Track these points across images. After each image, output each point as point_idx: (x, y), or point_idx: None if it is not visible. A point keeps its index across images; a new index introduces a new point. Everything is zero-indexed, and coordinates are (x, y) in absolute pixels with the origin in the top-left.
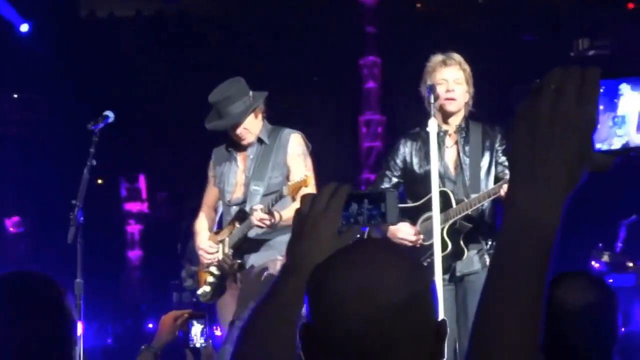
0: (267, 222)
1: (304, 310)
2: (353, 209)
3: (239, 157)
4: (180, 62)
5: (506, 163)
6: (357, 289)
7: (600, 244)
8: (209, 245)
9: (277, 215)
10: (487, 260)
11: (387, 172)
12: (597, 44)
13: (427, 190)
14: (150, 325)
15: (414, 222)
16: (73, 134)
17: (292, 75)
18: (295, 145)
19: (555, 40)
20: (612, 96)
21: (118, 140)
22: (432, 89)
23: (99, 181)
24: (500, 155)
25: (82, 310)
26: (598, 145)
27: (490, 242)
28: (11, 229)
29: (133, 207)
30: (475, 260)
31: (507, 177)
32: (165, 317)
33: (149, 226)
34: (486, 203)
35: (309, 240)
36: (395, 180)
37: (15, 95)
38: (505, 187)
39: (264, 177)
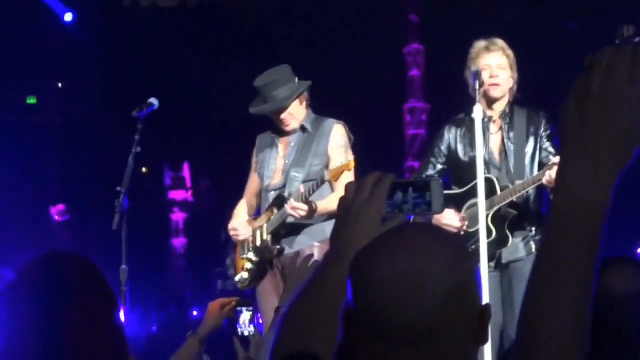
0: (302, 212)
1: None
2: (398, 197)
3: (281, 144)
4: (224, 52)
5: (551, 149)
6: (401, 273)
7: None
8: (239, 223)
9: (313, 205)
10: (533, 247)
11: (432, 159)
12: None
13: (472, 177)
14: (195, 313)
15: (458, 209)
16: (117, 122)
17: (335, 64)
18: (337, 135)
19: (600, 28)
20: None
21: (162, 129)
22: (477, 75)
23: (144, 170)
24: (545, 141)
25: (127, 297)
26: None
27: (535, 229)
28: (56, 217)
29: (177, 195)
30: (520, 248)
31: (552, 163)
32: (213, 304)
33: (193, 214)
34: (531, 190)
35: (353, 228)
36: (440, 167)
37: (60, 85)
38: (549, 173)
39: (304, 164)
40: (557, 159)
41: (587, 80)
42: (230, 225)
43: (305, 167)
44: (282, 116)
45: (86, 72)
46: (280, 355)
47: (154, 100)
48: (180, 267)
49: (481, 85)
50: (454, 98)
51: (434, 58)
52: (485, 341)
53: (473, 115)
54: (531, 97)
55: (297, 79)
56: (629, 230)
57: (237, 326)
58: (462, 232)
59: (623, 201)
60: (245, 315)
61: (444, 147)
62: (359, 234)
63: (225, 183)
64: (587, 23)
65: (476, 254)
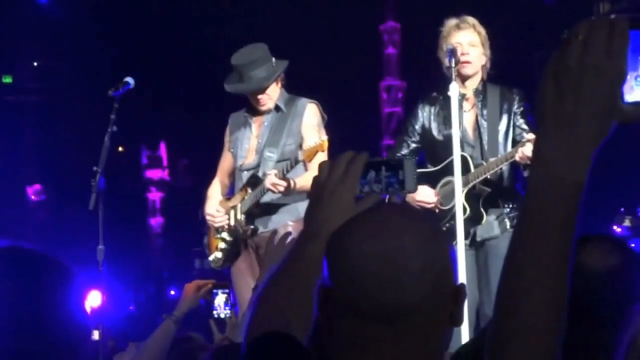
0: (281, 188)
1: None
2: (371, 176)
3: (254, 123)
4: (200, 30)
5: (524, 126)
6: (377, 251)
7: (622, 209)
8: (216, 209)
9: (291, 182)
10: (508, 224)
11: (406, 138)
12: (617, 7)
13: (447, 154)
14: (173, 292)
15: (433, 187)
16: (93, 101)
17: (311, 41)
18: (311, 114)
19: (576, 4)
20: (636, 53)
21: (139, 108)
22: (452, 52)
23: (120, 149)
24: (519, 118)
25: (104, 277)
26: (627, 98)
27: (510, 206)
28: (33, 197)
29: (154, 174)
30: (495, 225)
31: (525, 139)
32: (188, 285)
33: (170, 193)
34: (505, 167)
35: (327, 207)
36: (414, 145)
37: (35, 64)
38: (522, 150)
39: (278, 143)
40: (530, 136)
41: (563, 54)
42: (207, 210)
43: (279, 147)
44: (259, 96)
45: (61, 50)
46: (255, 334)
47: (129, 79)
48: (157, 246)
49: (457, 62)
50: (431, 76)
51: (410, 36)
52: (460, 322)
53: (449, 93)
54: (507, 74)
55: (274, 59)
56: (605, 208)
57: (213, 308)
58: (437, 210)
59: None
60: (221, 298)
61: (417, 126)
62: (332, 213)
63: (202, 162)
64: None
65: (451, 231)
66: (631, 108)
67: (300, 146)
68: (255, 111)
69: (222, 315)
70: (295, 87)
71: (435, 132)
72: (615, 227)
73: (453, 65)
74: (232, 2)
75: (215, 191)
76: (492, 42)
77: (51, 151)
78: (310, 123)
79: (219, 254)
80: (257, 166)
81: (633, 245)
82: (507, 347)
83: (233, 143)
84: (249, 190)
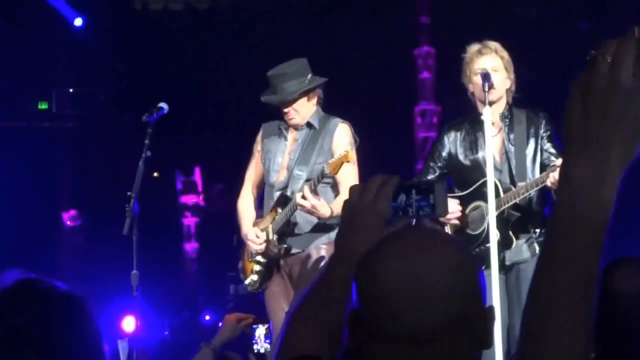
0: (310, 203)
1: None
2: (402, 199)
3: (290, 137)
4: (234, 54)
5: (552, 150)
6: (406, 273)
7: None
8: (256, 234)
9: (322, 201)
10: (537, 248)
11: (432, 164)
12: None
13: (474, 179)
14: (208, 318)
15: (461, 212)
16: (128, 126)
17: (346, 66)
18: (342, 134)
19: (610, 27)
20: None
21: (174, 134)
22: (486, 77)
23: (155, 174)
24: (546, 141)
25: (138, 302)
26: None
27: (538, 231)
28: (68, 222)
29: (189, 199)
30: (524, 249)
31: (554, 164)
32: (229, 316)
33: (205, 218)
34: (533, 191)
35: (358, 230)
36: (439, 171)
37: (71, 90)
38: (552, 175)
39: (308, 162)
40: (559, 161)
41: (590, 74)
42: (247, 234)
43: (309, 165)
44: (286, 109)
45: (97, 77)
46: (285, 357)
47: (163, 105)
48: (192, 271)
49: (490, 87)
50: (465, 100)
51: (445, 60)
52: (489, 344)
53: (482, 117)
54: (541, 97)
55: (310, 75)
56: (638, 232)
57: (253, 342)
58: (466, 234)
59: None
60: (261, 330)
61: (444, 152)
62: (363, 236)
63: (237, 187)
64: (598, 24)
65: (480, 256)
66: None
67: None
68: (289, 126)
69: (262, 350)
70: (330, 111)
71: (462, 157)
72: None
73: (486, 89)
74: (267, 28)
75: (247, 207)
76: (524, 67)
77: (86, 177)
78: (342, 142)
79: (254, 277)
80: (287, 185)
81: None
82: None
83: (266, 154)
84: (279, 210)
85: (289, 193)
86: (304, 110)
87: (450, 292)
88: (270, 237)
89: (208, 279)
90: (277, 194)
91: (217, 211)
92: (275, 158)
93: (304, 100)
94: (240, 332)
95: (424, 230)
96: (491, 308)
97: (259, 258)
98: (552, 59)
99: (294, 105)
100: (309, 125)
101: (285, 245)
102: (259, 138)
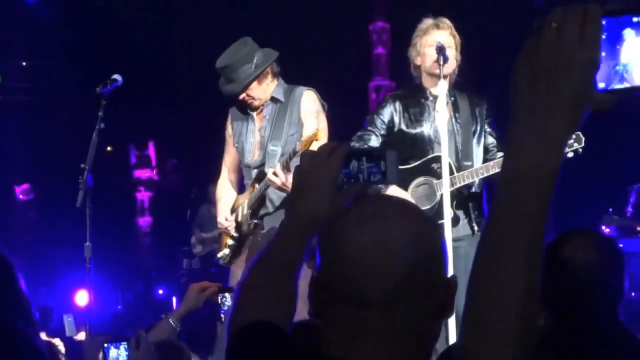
0: (281, 179)
1: (305, 265)
2: (353, 166)
3: (256, 117)
4: (189, 27)
5: (494, 134)
6: (370, 239)
7: (611, 209)
8: (225, 217)
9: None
10: (476, 228)
11: (374, 129)
12: (607, 8)
13: (416, 152)
14: (161, 292)
15: (405, 186)
16: (81, 100)
17: (300, 41)
18: (309, 101)
19: (566, 5)
20: (615, 42)
21: (128, 108)
22: (441, 49)
23: (109, 149)
24: (487, 127)
25: (91, 274)
26: (600, 85)
27: (477, 212)
28: (21, 197)
29: (142, 174)
30: (462, 226)
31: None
32: (193, 285)
33: (159, 193)
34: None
35: (308, 196)
36: (382, 139)
37: (24, 64)
38: None
39: (280, 135)
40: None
41: (537, 42)
42: (217, 217)
43: (282, 139)
44: (241, 97)
45: (50, 50)
46: (239, 324)
47: (117, 77)
48: (145, 245)
49: (445, 60)
50: (410, 80)
51: (400, 36)
52: (450, 313)
53: (435, 92)
54: (496, 75)
55: (257, 55)
56: (594, 208)
57: (221, 312)
58: None
59: (588, 179)
60: (229, 300)
61: (386, 119)
62: (313, 203)
63: (191, 162)
64: (550, 1)
65: None
66: (605, 96)
67: (301, 135)
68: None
69: None
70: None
71: (404, 128)
72: (604, 227)
73: (441, 62)
74: (221, 1)
75: (223, 192)
76: (477, 44)
77: (39, 151)
78: (309, 110)
79: (226, 251)
80: (264, 162)
81: (622, 245)
82: (478, 338)
83: (237, 138)
84: (256, 186)
85: (266, 170)
86: (259, 93)
87: (413, 258)
88: (245, 212)
89: (161, 253)
90: (255, 172)
91: (171, 186)
92: (247, 138)
93: (255, 84)
94: (205, 302)
95: (388, 197)
96: (454, 278)
97: (233, 232)
98: (505, 37)
99: (248, 92)
100: (273, 100)
101: (256, 221)
102: (227, 123)
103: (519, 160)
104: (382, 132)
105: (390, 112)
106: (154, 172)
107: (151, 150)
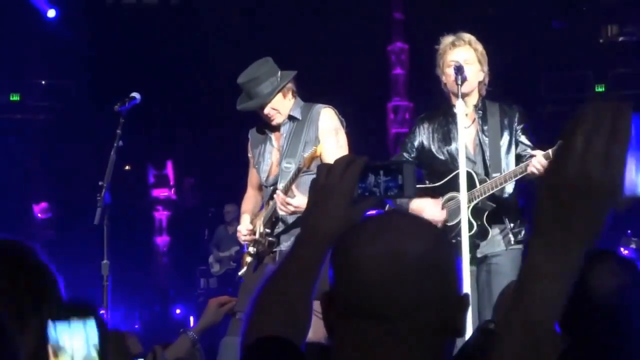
0: (290, 208)
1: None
2: (370, 180)
3: (274, 136)
4: (207, 49)
5: (527, 142)
6: (383, 251)
7: (629, 231)
8: (245, 227)
9: (299, 197)
10: (512, 239)
11: (405, 154)
12: (626, 30)
13: (447, 170)
14: (178, 311)
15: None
16: (100, 118)
17: (319, 60)
18: (326, 119)
19: (584, 27)
20: None
21: (146, 127)
22: (459, 70)
23: (127, 168)
24: (520, 134)
25: (108, 292)
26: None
27: (512, 223)
28: (39, 215)
29: (160, 193)
30: (498, 241)
31: (532, 154)
32: (212, 300)
33: (177, 212)
34: (510, 182)
35: (324, 209)
36: None
37: (43, 82)
38: (532, 164)
39: (295, 153)
40: (537, 151)
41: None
42: (238, 228)
43: (297, 156)
44: (266, 111)
45: (69, 69)
46: (252, 338)
47: (136, 94)
48: (163, 265)
49: (463, 80)
50: (437, 97)
51: (418, 57)
52: (463, 332)
53: (455, 110)
54: (513, 93)
55: (279, 72)
56: (612, 230)
57: None
58: (442, 226)
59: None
60: None
61: (416, 142)
62: (329, 216)
63: (208, 181)
64: (571, 22)
65: (457, 247)
66: (628, 200)
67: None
68: (271, 125)
69: None
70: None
71: (434, 149)
72: (622, 249)
73: (459, 82)
74: (241, 22)
75: (247, 207)
76: (499, 62)
77: (58, 169)
78: (327, 127)
79: (245, 269)
80: (278, 180)
81: None
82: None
83: (256, 158)
84: (270, 204)
85: (279, 186)
86: (282, 107)
87: (426, 273)
88: (261, 229)
89: (179, 273)
90: (271, 189)
91: (189, 205)
92: (265, 159)
93: (279, 97)
94: (225, 317)
95: (403, 213)
96: (466, 296)
97: (251, 249)
98: (526, 56)
99: (272, 105)
100: (291, 118)
101: (270, 239)
102: (249, 145)
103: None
104: (413, 154)
105: (420, 135)
106: (172, 191)
107: (169, 170)
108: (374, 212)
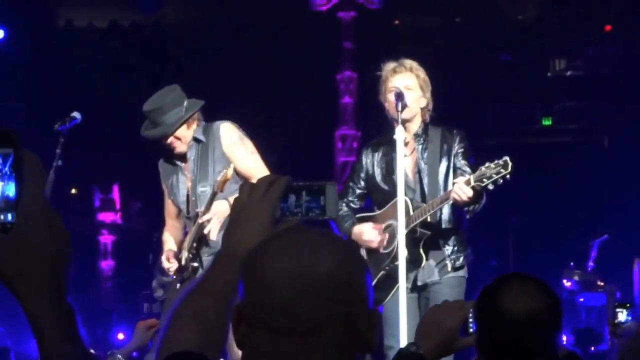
0: (206, 222)
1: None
2: (291, 201)
3: (184, 166)
4: (155, 73)
5: (465, 168)
6: (291, 266)
7: (572, 263)
8: (166, 257)
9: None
10: (449, 267)
11: (352, 184)
12: (573, 64)
13: (390, 198)
14: (121, 336)
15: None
16: (46, 141)
17: (268, 89)
18: (227, 133)
19: (531, 60)
20: None
21: (92, 150)
22: (399, 96)
23: (73, 191)
24: (461, 158)
25: None
26: None
27: (450, 249)
28: None
29: (106, 217)
30: (435, 270)
31: (458, 181)
32: (140, 323)
33: (122, 236)
34: (445, 209)
35: (244, 228)
36: (359, 191)
37: None
38: (455, 189)
39: (207, 175)
40: (462, 178)
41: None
42: (163, 263)
43: (209, 178)
44: (168, 140)
45: (18, 90)
46: (167, 353)
47: (76, 114)
48: (107, 289)
49: (403, 106)
50: (386, 126)
51: (367, 86)
52: (372, 348)
53: (394, 137)
54: (461, 125)
55: (186, 101)
56: (555, 262)
57: None
58: (382, 250)
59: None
60: None
61: (362, 173)
62: (249, 235)
63: (155, 205)
64: (519, 55)
65: (391, 275)
66: None
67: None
68: (177, 154)
69: None
70: (252, 131)
71: (379, 179)
72: (565, 281)
73: (399, 108)
74: (189, 46)
75: (167, 236)
76: (446, 93)
77: None
78: (231, 141)
79: (168, 291)
80: (197, 206)
81: (582, 299)
82: None
83: (170, 190)
84: (192, 229)
85: (200, 211)
86: (185, 136)
87: (334, 288)
88: (186, 255)
89: (122, 297)
90: (194, 217)
91: (135, 229)
92: (180, 191)
93: (183, 128)
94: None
95: (311, 228)
96: (376, 312)
97: (174, 275)
98: (474, 87)
99: (177, 134)
100: (195, 140)
101: (194, 264)
102: (160, 177)
103: None
104: (361, 184)
105: (365, 164)
106: (118, 215)
107: (115, 194)
108: None
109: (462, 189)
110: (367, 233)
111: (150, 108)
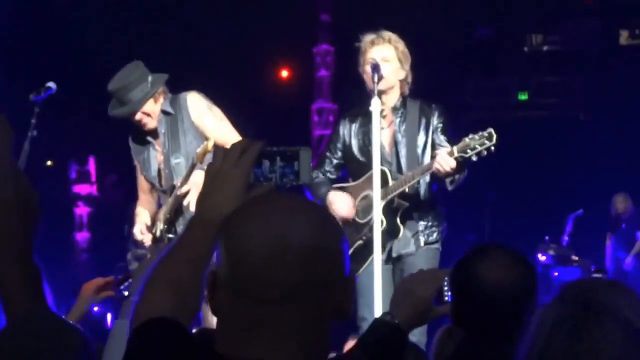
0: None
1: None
2: (265, 166)
3: (155, 142)
4: (132, 42)
5: (444, 143)
6: (269, 233)
7: (547, 237)
8: (140, 230)
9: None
10: (422, 241)
11: (328, 154)
12: (550, 39)
13: (366, 169)
14: (96, 309)
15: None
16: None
17: (244, 63)
18: (194, 103)
19: (509, 35)
20: None
21: (69, 122)
22: (375, 68)
23: (49, 163)
24: (439, 133)
25: None
26: None
27: (425, 223)
28: None
29: (82, 189)
30: (411, 242)
31: (441, 151)
32: (86, 285)
33: (98, 209)
34: (422, 182)
35: (218, 194)
36: (336, 161)
37: None
38: (437, 160)
39: (179, 146)
40: (445, 149)
41: None
42: (134, 231)
43: (181, 149)
44: (137, 117)
45: None
46: (141, 318)
47: (51, 84)
48: (82, 261)
49: (379, 78)
50: (362, 99)
51: (344, 59)
52: (348, 315)
53: (370, 108)
54: (437, 99)
55: (150, 77)
56: (531, 236)
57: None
58: (352, 221)
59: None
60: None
61: (339, 143)
62: (223, 200)
63: (131, 178)
64: (496, 29)
65: (367, 245)
66: None
67: (206, 138)
68: (145, 130)
69: None
70: (226, 107)
71: (355, 149)
72: (540, 255)
73: (376, 80)
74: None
75: (140, 208)
76: (424, 68)
77: None
78: (199, 109)
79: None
80: (172, 178)
81: (557, 273)
82: None
83: (142, 165)
84: (169, 201)
85: (175, 182)
86: (153, 111)
87: (311, 254)
88: (161, 226)
89: (98, 269)
90: (169, 190)
91: (110, 201)
92: (151, 166)
93: (150, 102)
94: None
95: (289, 195)
96: (352, 279)
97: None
98: (451, 62)
99: (145, 110)
100: (164, 112)
101: (170, 235)
102: (132, 152)
103: None
104: (337, 155)
105: (342, 134)
106: (94, 187)
107: (91, 166)
108: None
109: (445, 160)
110: (337, 202)
111: (115, 87)
